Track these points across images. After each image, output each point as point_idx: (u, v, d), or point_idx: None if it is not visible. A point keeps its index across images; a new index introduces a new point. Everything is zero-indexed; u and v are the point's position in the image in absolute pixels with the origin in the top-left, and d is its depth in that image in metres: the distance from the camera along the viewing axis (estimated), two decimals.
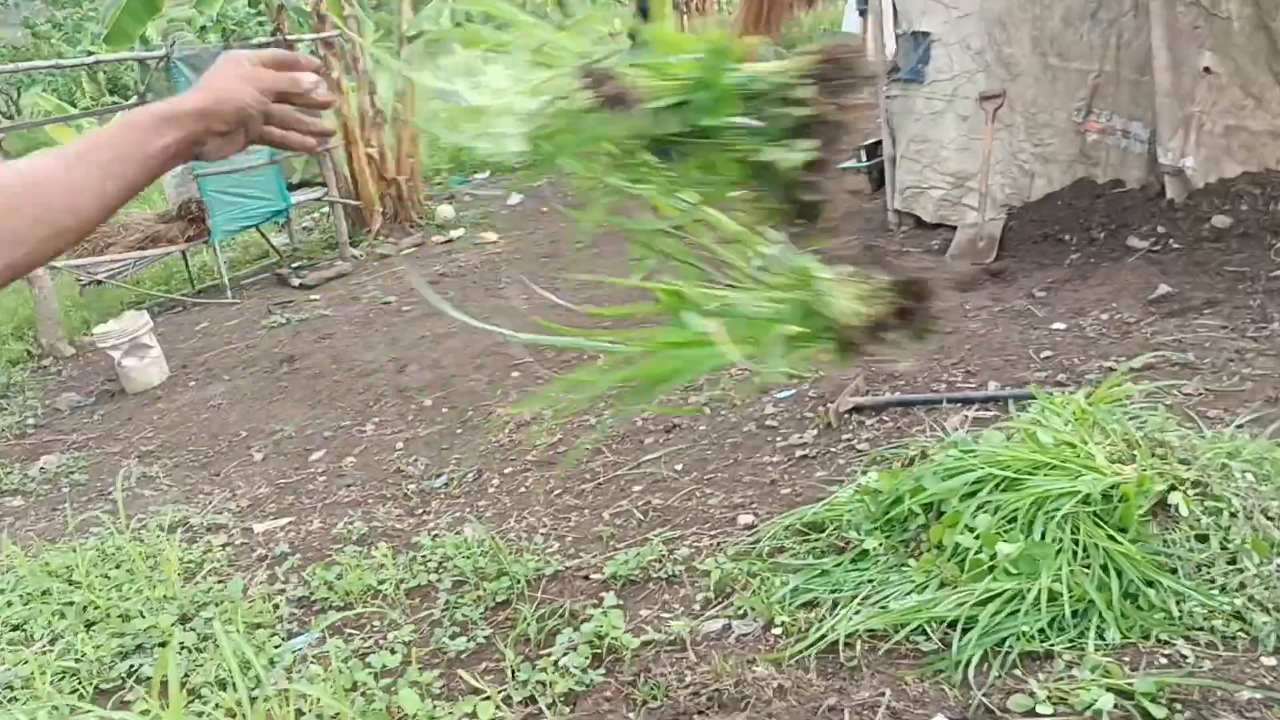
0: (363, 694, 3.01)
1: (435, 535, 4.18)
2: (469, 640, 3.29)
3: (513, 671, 3.03)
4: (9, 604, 4.06)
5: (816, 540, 3.39)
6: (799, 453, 4.34)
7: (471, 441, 5.29)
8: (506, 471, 4.82)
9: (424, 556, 3.95)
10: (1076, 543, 2.83)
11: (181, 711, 2.46)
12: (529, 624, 3.24)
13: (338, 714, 2.84)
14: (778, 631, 2.99)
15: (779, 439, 4.54)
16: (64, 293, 9.96)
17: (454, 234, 10.77)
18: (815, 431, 4.51)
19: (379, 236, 11.17)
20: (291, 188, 10.99)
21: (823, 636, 2.87)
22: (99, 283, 9.77)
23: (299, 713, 2.88)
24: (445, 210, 11.63)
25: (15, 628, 3.88)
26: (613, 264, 8.09)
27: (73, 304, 10.01)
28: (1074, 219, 6.44)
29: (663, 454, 4.61)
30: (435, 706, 2.90)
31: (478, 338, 6.95)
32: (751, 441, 4.57)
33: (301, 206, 11.45)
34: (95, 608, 3.89)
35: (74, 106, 21.34)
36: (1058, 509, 2.83)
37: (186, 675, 3.28)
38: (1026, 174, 6.80)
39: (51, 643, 3.73)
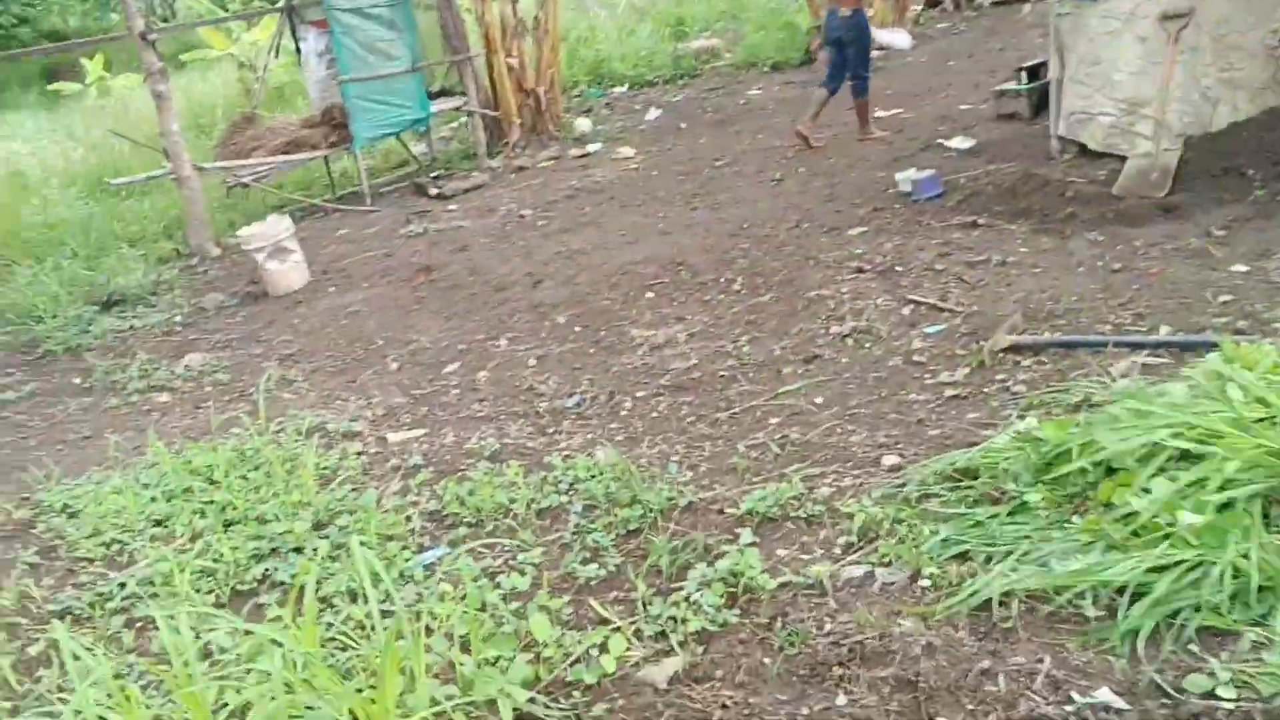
0: (492, 616, 2.96)
1: (566, 456, 4.11)
2: (600, 567, 3.21)
3: (644, 604, 2.94)
4: (153, 499, 4.17)
5: (969, 488, 3.19)
6: (948, 392, 4.11)
7: (605, 361, 5.20)
8: (639, 395, 4.71)
9: (555, 477, 3.88)
10: (1268, 515, 2.57)
11: (315, 625, 2.43)
12: (661, 555, 3.14)
13: (466, 635, 2.79)
14: (925, 583, 2.82)
15: (927, 376, 4.30)
16: (211, 194, 10.19)
17: (591, 148, 10.62)
18: (966, 370, 4.26)
19: (516, 148, 11.10)
20: (431, 96, 10.97)
21: (975, 593, 2.68)
22: (244, 185, 9.97)
23: (428, 630, 2.85)
24: (583, 123, 11.49)
25: (158, 523, 3.98)
26: (752, 181, 7.88)
27: (219, 205, 10.23)
28: (1261, 152, 5.91)
29: (802, 386, 4.43)
30: (564, 635, 2.83)
31: (612, 255, 6.83)
32: (897, 377, 4.35)
33: (440, 116, 11.44)
34: (234, 508, 3.95)
35: (225, 9, 21.77)
36: (1250, 479, 2.57)
37: (319, 583, 3.29)
38: (1209, 101, 6.25)
39: (192, 540, 3.80)
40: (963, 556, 2.88)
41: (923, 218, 6.25)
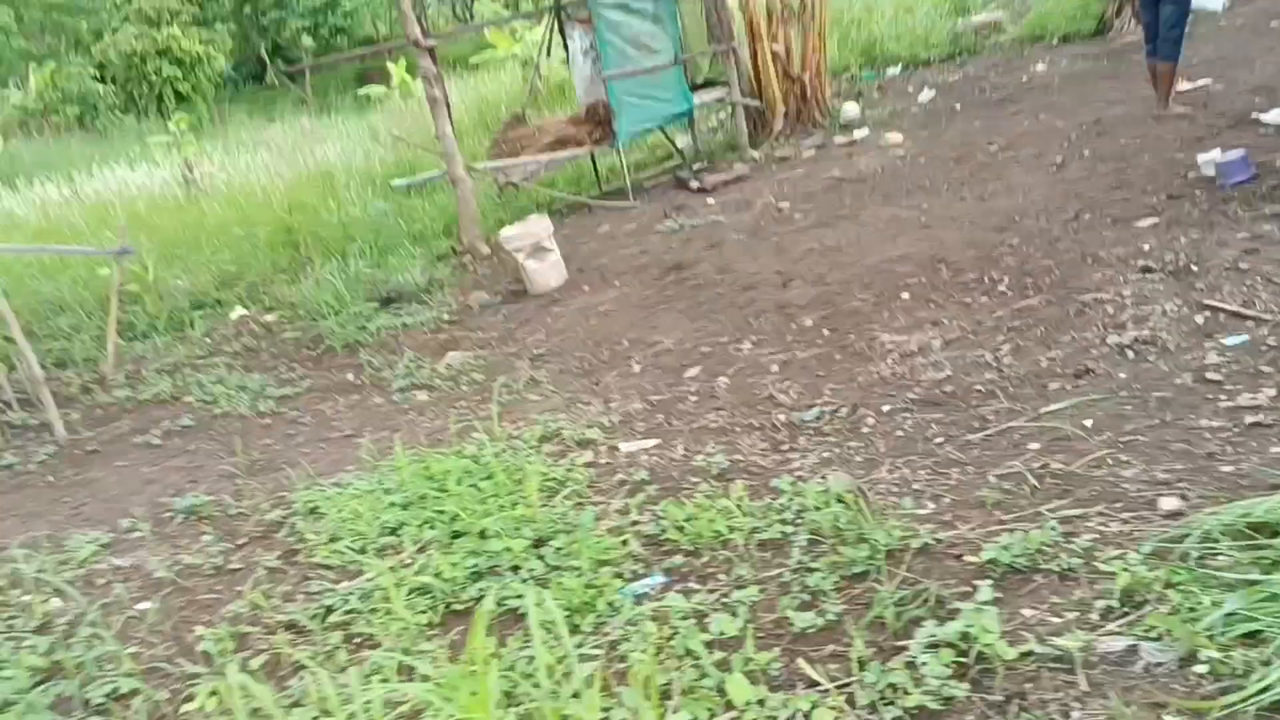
0: (694, 665, 2.74)
1: (797, 479, 3.82)
2: (817, 615, 2.90)
3: (860, 664, 2.62)
4: (391, 505, 4.22)
5: (1266, 548, 2.65)
6: (1249, 419, 3.49)
7: (850, 370, 4.85)
8: (884, 409, 4.34)
9: (782, 504, 3.60)
10: None
11: (486, 682, 2.29)
12: (886, 607, 2.80)
13: (665, 685, 2.59)
14: (1202, 669, 2.34)
15: (1223, 398, 3.69)
16: (486, 192, 10.54)
17: (857, 134, 10.15)
18: (1274, 392, 3.61)
19: (779, 138, 10.80)
20: (695, 88, 10.86)
21: (1268, 688, 2.19)
22: (514, 185, 10.24)
23: (621, 675, 2.67)
24: (850, 109, 11.02)
25: (391, 531, 4.02)
26: (1028, 167, 7.21)
27: (492, 203, 10.56)
28: None
29: (1070, 405, 3.91)
30: (768, 696, 2.55)
31: (868, 251, 6.43)
32: (1185, 398, 3.76)
33: (707, 106, 11.30)
34: (461, 520, 3.93)
35: (515, 9, 22.68)
36: None
37: (525, 617, 3.18)
38: None
39: (420, 551, 3.81)
40: (1253, 637, 2.37)
41: (1228, 207, 5.45)
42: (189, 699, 3.06)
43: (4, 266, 9.99)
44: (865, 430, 4.20)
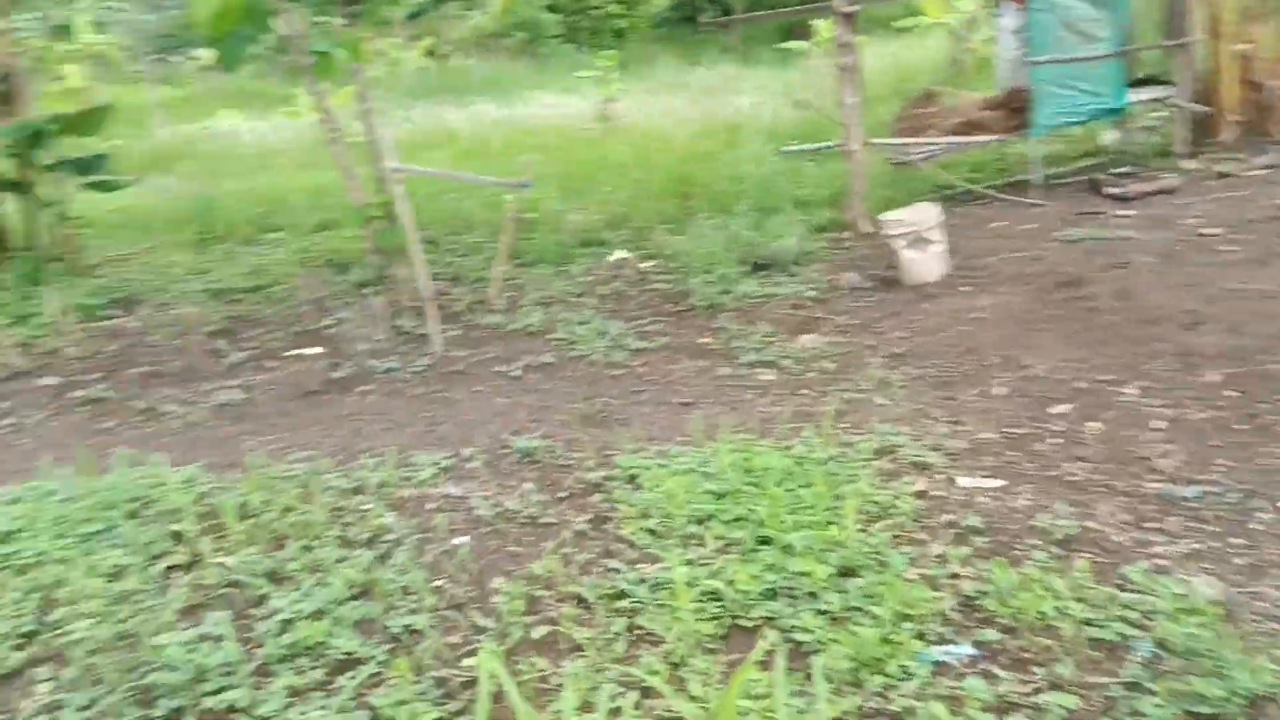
0: None
1: (1156, 568, 3.29)
2: None
3: None
4: (705, 491, 4.10)
5: None
6: None
7: (1252, 446, 4.13)
8: None
9: (1128, 599, 3.11)
10: None
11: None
12: None
13: None
14: None
15: None
16: (880, 169, 10.12)
17: None
18: None
19: (1225, 150, 9.51)
20: (1136, 83, 9.78)
21: None
22: (910, 164, 9.77)
23: None
24: None
25: (699, 522, 3.90)
26: None
27: (884, 181, 10.12)
28: None
29: None
30: None
31: None
32: None
33: (1141, 105, 10.17)
34: (768, 527, 3.74)
35: None
36: None
37: (808, 653, 2.96)
38: None
39: (722, 551, 3.67)
40: None
41: None
42: (472, 653, 3.13)
43: (425, 180, 10.86)
44: (1255, 526, 3.55)
